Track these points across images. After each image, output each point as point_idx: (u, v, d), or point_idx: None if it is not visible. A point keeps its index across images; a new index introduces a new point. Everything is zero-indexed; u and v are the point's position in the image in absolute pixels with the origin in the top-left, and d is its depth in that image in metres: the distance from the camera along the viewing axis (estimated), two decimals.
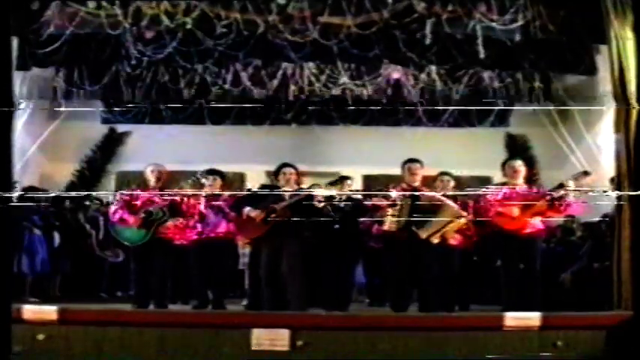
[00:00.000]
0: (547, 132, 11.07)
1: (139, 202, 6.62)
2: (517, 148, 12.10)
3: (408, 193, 6.53)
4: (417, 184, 6.64)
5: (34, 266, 8.40)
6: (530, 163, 11.63)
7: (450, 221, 6.50)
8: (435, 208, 6.51)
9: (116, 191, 11.09)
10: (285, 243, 6.46)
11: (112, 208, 6.73)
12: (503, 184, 6.89)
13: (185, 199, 6.69)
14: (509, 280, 6.79)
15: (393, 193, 6.57)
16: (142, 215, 6.50)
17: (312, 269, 7.57)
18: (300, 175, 6.85)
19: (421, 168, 6.67)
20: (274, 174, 6.79)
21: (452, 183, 7.20)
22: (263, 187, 6.88)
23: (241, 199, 6.95)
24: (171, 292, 7.17)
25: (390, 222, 6.49)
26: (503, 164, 6.87)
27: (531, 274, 6.78)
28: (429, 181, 6.99)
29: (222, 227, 7.18)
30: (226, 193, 7.31)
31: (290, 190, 6.60)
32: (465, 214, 6.61)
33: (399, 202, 6.49)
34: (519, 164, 6.80)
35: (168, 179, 6.87)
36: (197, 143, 11.57)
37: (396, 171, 6.92)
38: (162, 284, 6.74)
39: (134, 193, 6.74)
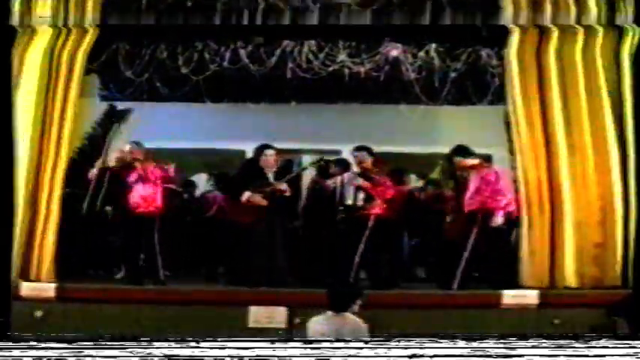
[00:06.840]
0: None
1: None
2: None
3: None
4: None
5: None
6: None
7: None
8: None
9: None
10: (282, 223, 6.55)
11: None
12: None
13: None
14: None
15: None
16: None
17: (311, 249, 7.64)
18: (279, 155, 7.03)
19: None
20: (255, 155, 6.86)
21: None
22: (245, 166, 6.94)
23: (232, 183, 7.06)
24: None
25: None
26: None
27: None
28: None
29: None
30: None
31: (272, 170, 6.74)
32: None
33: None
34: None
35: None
36: (196, 121, 11.53)
37: (399, 149, 7.17)
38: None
39: None
